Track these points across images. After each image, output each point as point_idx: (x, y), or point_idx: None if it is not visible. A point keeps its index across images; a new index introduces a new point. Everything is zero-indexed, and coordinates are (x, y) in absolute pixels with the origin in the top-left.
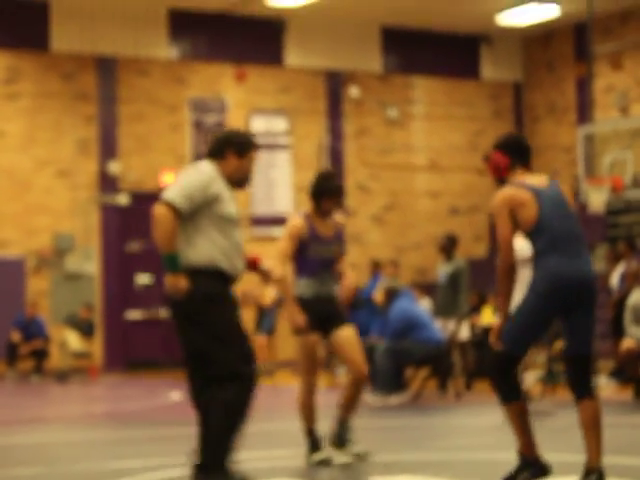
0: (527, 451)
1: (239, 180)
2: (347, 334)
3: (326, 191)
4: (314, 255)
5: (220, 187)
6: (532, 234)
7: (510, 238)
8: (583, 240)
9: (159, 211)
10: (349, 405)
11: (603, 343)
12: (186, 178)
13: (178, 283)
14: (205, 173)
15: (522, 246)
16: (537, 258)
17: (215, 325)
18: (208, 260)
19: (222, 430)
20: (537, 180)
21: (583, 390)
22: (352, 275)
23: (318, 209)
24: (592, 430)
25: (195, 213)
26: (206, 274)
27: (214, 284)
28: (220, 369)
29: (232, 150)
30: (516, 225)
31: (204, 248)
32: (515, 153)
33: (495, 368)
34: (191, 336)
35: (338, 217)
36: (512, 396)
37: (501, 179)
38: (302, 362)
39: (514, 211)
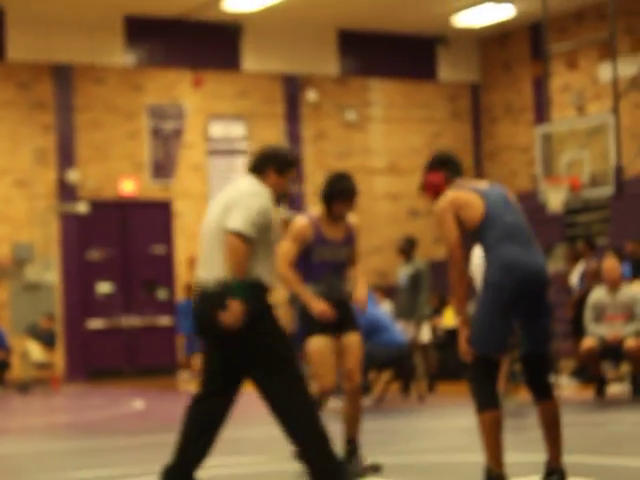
0: (494, 465)
1: (277, 197)
2: (349, 342)
3: (337, 193)
4: (319, 259)
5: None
6: (480, 231)
7: (458, 241)
8: (533, 234)
9: (232, 243)
10: (351, 420)
11: (564, 343)
12: (249, 204)
13: (240, 309)
14: (264, 197)
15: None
16: (489, 252)
17: (279, 329)
18: (258, 276)
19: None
20: (477, 184)
21: (542, 390)
22: (364, 284)
23: (329, 212)
24: (552, 430)
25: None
26: (258, 287)
27: (265, 296)
28: (294, 369)
29: (273, 167)
30: (462, 227)
31: (257, 265)
32: (447, 168)
33: (473, 373)
34: (261, 343)
35: (352, 218)
36: (489, 405)
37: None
38: (315, 368)
39: (458, 212)
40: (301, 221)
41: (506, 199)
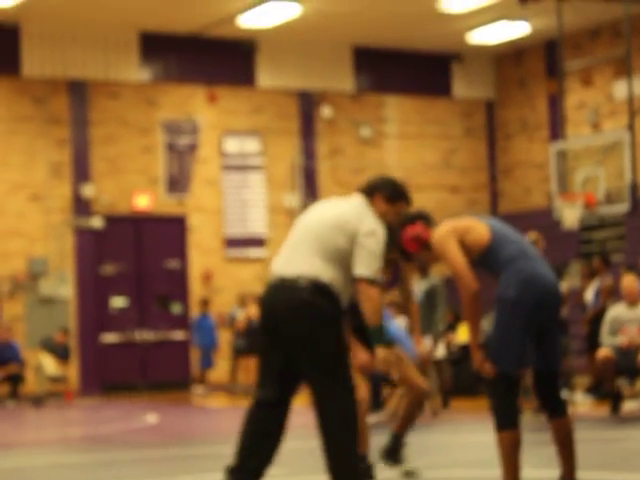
0: None
1: (386, 226)
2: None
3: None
4: None
5: None
6: (491, 252)
7: (465, 264)
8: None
9: (368, 291)
10: (407, 420)
11: (578, 359)
12: (373, 248)
13: (385, 355)
14: (382, 236)
15: None
16: (504, 269)
17: (345, 340)
18: (332, 283)
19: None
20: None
21: (555, 407)
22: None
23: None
24: (565, 446)
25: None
26: (333, 293)
27: (339, 303)
28: (351, 381)
29: (381, 194)
30: (468, 254)
31: (339, 278)
32: (424, 219)
33: (494, 390)
34: (329, 350)
35: None
36: (508, 424)
37: (427, 245)
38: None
39: (463, 238)
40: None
41: (505, 224)
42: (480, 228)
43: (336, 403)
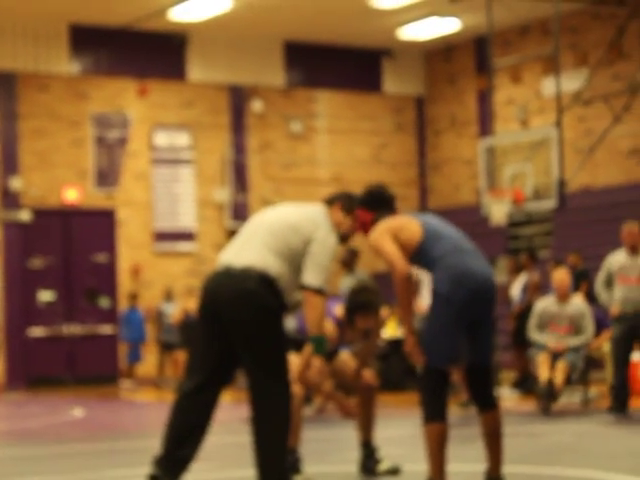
0: (436, 477)
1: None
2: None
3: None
4: None
5: None
6: (423, 248)
7: (396, 251)
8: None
9: (313, 301)
10: (369, 423)
11: (505, 354)
12: (322, 258)
13: (322, 365)
14: (332, 248)
15: None
16: (437, 264)
17: (283, 335)
18: (279, 278)
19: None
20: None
21: (485, 401)
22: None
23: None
24: (493, 440)
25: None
26: (276, 287)
27: (283, 298)
28: (285, 374)
29: (340, 204)
30: (403, 251)
31: (288, 279)
32: (377, 206)
33: (424, 384)
34: (271, 340)
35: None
36: (436, 417)
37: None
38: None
39: (397, 236)
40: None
41: (442, 221)
42: (412, 226)
43: (270, 397)
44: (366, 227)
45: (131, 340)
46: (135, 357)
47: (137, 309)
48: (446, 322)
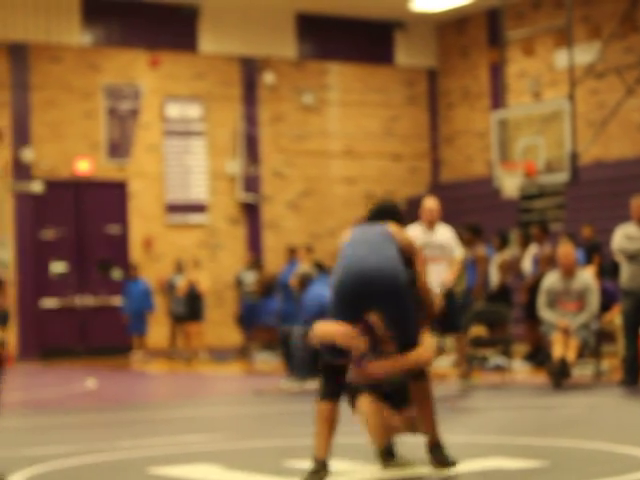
0: (319, 455)
1: None
2: None
3: None
4: None
5: None
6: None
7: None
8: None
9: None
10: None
11: (517, 327)
12: None
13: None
14: None
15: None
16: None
17: None
18: None
19: None
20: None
21: (416, 375)
22: None
23: None
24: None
25: None
26: None
27: None
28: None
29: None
30: None
31: None
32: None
33: (322, 370)
34: None
35: None
36: (326, 396)
37: None
38: None
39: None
40: None
41: (369, 229)
42: (343, 236)
43: None
44: None
45: (131, 312)
46: (136, 329)
47: (139, 280)
48: (335, 314)
